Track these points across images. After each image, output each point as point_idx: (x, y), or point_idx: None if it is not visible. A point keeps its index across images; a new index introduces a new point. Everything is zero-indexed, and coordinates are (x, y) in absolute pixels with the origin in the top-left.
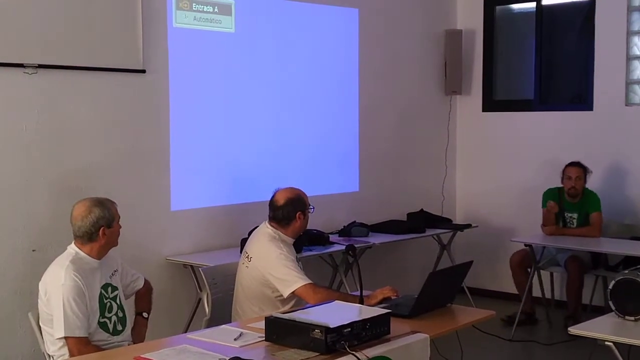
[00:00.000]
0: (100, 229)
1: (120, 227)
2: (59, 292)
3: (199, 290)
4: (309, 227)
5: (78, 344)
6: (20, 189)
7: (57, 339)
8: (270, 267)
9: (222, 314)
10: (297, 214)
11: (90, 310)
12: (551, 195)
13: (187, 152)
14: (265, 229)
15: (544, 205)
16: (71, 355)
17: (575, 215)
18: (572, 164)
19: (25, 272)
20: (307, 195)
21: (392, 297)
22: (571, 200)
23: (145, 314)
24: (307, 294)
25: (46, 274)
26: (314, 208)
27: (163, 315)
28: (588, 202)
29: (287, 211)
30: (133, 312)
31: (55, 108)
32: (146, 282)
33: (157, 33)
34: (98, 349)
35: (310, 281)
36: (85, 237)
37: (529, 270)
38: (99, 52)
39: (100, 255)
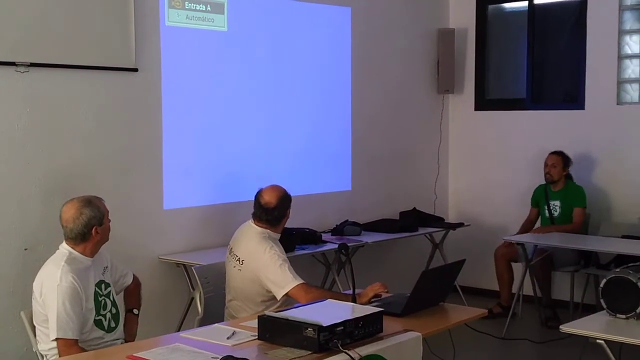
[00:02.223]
0: (93, 228)
1: (110, 221)
2: (54, 293)
3: (191, 289)
4: (301, 225)
5: (64, 345)
6: (12, 187)
7: (52, 340)
8: (264, 268)
9: (214, 313)
10: (287, 212)
11: (86, 310)
12: (538, 191)
13: (179, 151)
14: (254, 229)
15: (531, 202)
16: (59, 356)
17: (557, 203)
18: (552, 152)
19: (17, 271)
20: (300, 194)
21: (383, 293)
22: (554, 188)
23: (135, 311)
24: (299, 295)
25: (41, 274)
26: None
27: (155, 314)
28: (571, 193)
29: (280, 211)
30: (123, 309)
31: (47, 106)
32: (135, 278)
33: (149, 31)
34: (83, 351)
35: (302, 281)
36: (79, 238)
37: (511, 263)
38: (91, 51)
39: (93, 253)
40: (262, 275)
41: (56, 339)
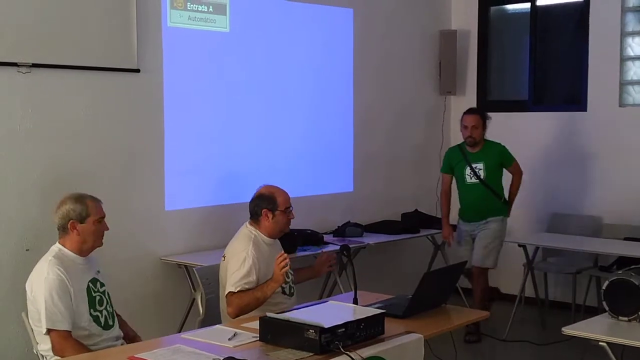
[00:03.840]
0: (70, 222)
1: (106, 228)
2: (42, 285)
3: (192, 290)
4: (303, 226)
5: (58, 337)
6: (14, 188)
7: (44, 334)
8: (229, 268)
9: (216, 314)
10: (263, 211)
11: (76, 304)
12: (453, 154)
13: (181, 152)
14: (244, 229)
15: (442, 167)
16: (53, 348)
17: (481, 165)
18: (469, 112)
19: (19, 272)
20: (302, 195)
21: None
22: (472, 150)
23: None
24: (229, 302)
25: (32, 273)
26: (292, 208)
27: (157, 315)
28: (492, 151)
29: (254, 206)
30: None
31: (49, 107)
32: None
33: (151, 32)
34: (79, 343)
35: (231, 290)
36: (60, 230)
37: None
38: (93, 51)
39: (81, 251)
40: (227, 273)
41: (48, 331)
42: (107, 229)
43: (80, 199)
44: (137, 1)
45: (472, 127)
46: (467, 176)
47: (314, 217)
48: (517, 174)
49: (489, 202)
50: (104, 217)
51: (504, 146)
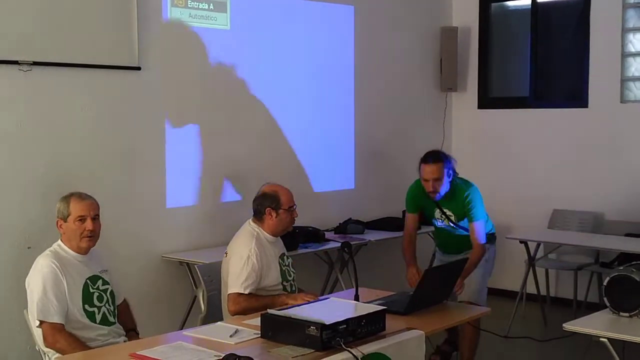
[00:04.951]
0: (57, 220)
1: (90, 227)
2: (36, 278)
3: (194, 288)
4: (304, 224)
5: (51, 329)
6: (16, 186)
7: (37, 326)
8: (232, 264)
9: (217, 311)
10: (266, 210)
11: (70, 297)
12: (417, 193)
13: (182, 149)
14: (247, 226)
15: (407, 205)
16: (45, 340)
17: (450, 212)
18: (427, 160)
19: (21, 270)
20: (303, 192)
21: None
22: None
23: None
24: (230, 302)
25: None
26: (295, 206)
27: (158, 312)
28: (458, 200)
29: (257, 204)
30: None
31: (50, 105)
32: (125, 300)
33: (152, 30)
34: (72, 336)
35: (240, 291)
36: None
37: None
38: (94, 49)
39: (74, 248)
40: (229, 270)
41: (40, 323)
42: (91, 228)
43: (66, 197)
44: None
45: (433, 180)
46: (437, 219)
47: (315, 214)
48: (477, 248)
49: (468, 240)
50: (88, 216)
51: (472, 194)
